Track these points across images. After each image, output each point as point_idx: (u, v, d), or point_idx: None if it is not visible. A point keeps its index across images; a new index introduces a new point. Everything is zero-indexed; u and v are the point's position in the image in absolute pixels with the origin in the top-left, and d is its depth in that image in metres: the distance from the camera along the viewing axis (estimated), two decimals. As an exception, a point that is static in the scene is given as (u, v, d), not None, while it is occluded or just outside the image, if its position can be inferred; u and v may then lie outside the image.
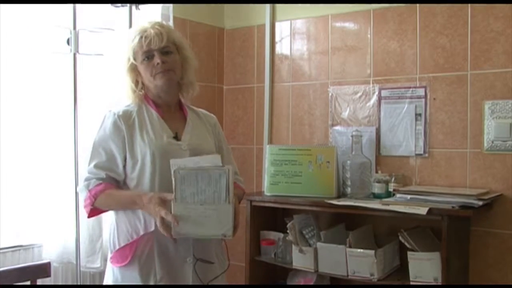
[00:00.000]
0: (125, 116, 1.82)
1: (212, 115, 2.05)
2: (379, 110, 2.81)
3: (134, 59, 1.81)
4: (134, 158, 1.78)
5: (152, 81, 1.82)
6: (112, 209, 1.84)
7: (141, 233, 1.77)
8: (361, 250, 2.48)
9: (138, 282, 1.77)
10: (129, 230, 1.80)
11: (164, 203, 1.64)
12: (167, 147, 1.78)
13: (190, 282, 1.79)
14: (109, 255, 1.85)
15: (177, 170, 1.62)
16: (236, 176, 2.00)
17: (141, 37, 1.79)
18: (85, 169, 1.85)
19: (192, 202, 1.62)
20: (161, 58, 1.79)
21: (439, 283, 2.28)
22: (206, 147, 1.84)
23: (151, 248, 1.77)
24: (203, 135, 1.92)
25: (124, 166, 1.81)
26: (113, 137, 1.80)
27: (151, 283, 1.77)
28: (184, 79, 1.91)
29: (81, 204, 1.86)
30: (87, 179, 1.81)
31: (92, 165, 1.81)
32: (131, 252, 1.77)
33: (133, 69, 1.83)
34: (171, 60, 1.82)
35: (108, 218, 1.95)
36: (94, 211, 1.83)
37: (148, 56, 1.80)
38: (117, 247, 1.81)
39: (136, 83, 1.85)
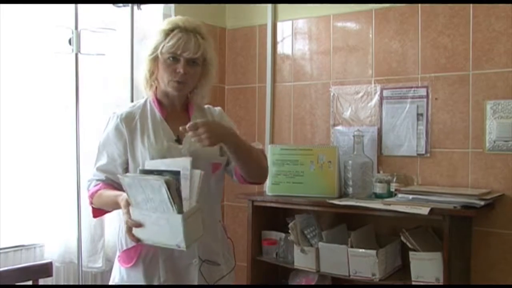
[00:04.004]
0: (128, 120, 1.81)
1: (216, 108, 2.00)
2: (380, 110, 2.80)
3: (161, 52, 1.77)
4: (135, 162, 1.78)
5: (165, 83, 1.79)
6: (108, 209, 1.85)
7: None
8: (363, 250, 2.48)
9: (142, 284, 1.77)
10: None
11: (129, 206, 1.61)
12: (166, 151, 1.76)
13: (195, 284, 1.78)
14: (117, 254, 1.86)
15: (122, 177, 1.56)
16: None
17: (180, 39, 1.75)
18: (90, 171, 1.87)
19: (146, 209, 1.56)
20: (184, 68, 1.75)
21: (441, 283, 2.28)
22: (208, 150, 1.80)
23: (156, 251, 1.76)
24: None
25: (126, 169, 1.81)
26: (115, 141, 1.80)
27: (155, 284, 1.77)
28: (198, 89, 1.88)
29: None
30: (89, 181, 1.85)
31: (95, 167, 1.84)
32: (136, 254, 1.77)
33: (155, 60, 1.80)
34: (193, 72, 1.79)
35: (110, 218, 1.95)
36: (98, 212, 1.85)
37: (174, 57, 1.76)
38: (124, 247, 1.82)
39: (151, 74, 1.83)
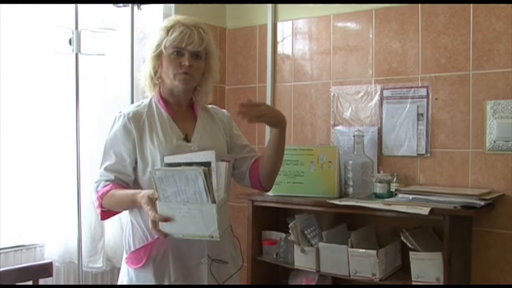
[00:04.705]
0: (135, 118, 1.80)
1: (223, 110, 2.01)
2: (381, 110, 2.80)
3: (165, 47, 1.78)
4: (144, 161, 1.77)
5: (171, 78, 1.80)
6: (119, 209, 1.83)
7: (156, 235, 1.74)
8: (363, 250, 2.47)
9: (151, 284, 1.76)
10: (144, 232, 1.78)
11: (153, 202, 1.59)
12: (176, 149, 1.76)
13: (205, 283, 1.78)
14: (124, 255, 1.84)
15: (153, 171, 1.55)
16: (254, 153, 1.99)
17: (183, 32, 1.76)
18: (97, 172, 1.84)
19: (175, 202, 1.55)
20: (189, 61, 1.77)
21: (441, 283, 2.28)
22: (217, 148, 1.81)
23: (166, 251, 1.75)
24: (215, 134, 1.90)
25: (135, 168, 1.80)
26: (123, 140, 1.79)
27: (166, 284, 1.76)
28: (202, 87, 1.89)
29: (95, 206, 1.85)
30: (97, 182, 1.80)
31: (102, 167, 1.80)
32: (145, 254, 1.75)
33: (158, 57, 1.81)
34: (197, 65, 1.81)
35: (111, 218, 1.94)
36: (106, 213, 1.81)
37: (178, 52, 1.78)
38: (132, 248, 1.80)
39: (155, 72, 1.83)
